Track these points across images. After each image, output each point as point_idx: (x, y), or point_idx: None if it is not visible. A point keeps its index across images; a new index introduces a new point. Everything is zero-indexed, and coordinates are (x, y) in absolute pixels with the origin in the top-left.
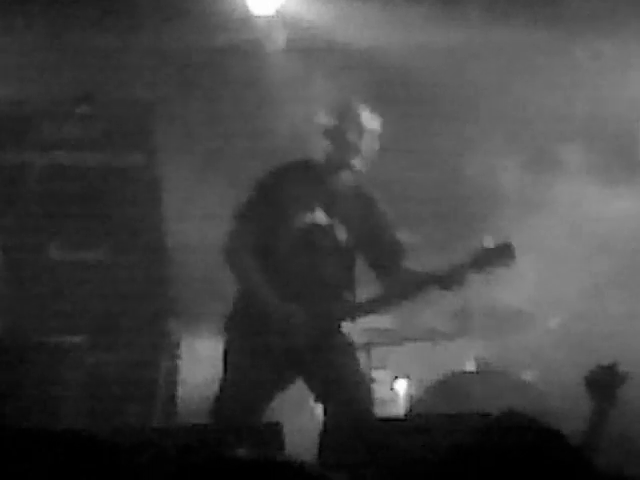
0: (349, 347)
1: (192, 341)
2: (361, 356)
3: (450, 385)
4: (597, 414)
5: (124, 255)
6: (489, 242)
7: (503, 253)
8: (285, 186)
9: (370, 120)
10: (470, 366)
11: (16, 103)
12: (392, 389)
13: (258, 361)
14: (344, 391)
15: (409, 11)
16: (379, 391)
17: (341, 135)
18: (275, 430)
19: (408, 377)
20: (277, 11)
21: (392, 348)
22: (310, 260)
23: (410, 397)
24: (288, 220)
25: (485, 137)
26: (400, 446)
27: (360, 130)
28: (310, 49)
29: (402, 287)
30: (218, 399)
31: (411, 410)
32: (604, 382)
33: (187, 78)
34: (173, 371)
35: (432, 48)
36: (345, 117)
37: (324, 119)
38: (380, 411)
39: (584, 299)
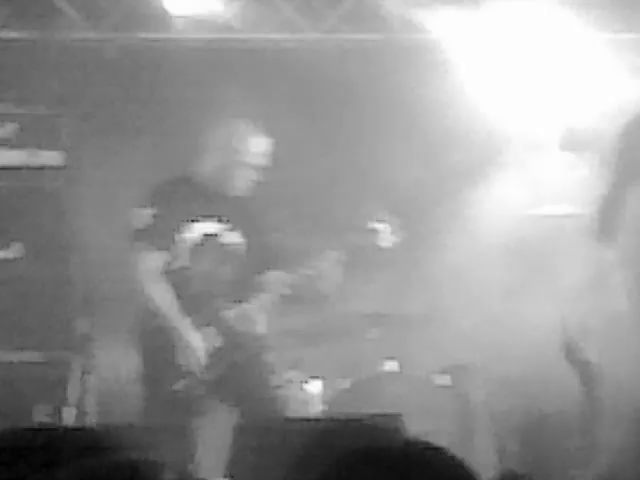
0: (255, 350)
1: (105, 341)
2: (272, 357)
3: (365, 386)
4: None
5: (36, 254)
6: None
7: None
8: (173, 200)
9: (257, 136)
10: (385, 367)
11: None
12: (306, 390)
13: (167, 372)
14: (251, 394)
15: (328, 13)
16: (293, 392)
17: (228, 149)
18: (188, 431)
19: (322, 378)
20: (194, 11)
21: (306, 348)
22: (208, 269)
23: (324, 398)
24: (181, 233)
25: (390, 142)
26: (308, 446)
27: (247, 145)
28: (227, 50)
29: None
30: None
31: (325, 411)
32: None
33: (102, 76)
34: (85, 370)
35: (348, 49)
36: (233, 132)
37: (212, 132)
38: (294, 412)
39: (497, 301)
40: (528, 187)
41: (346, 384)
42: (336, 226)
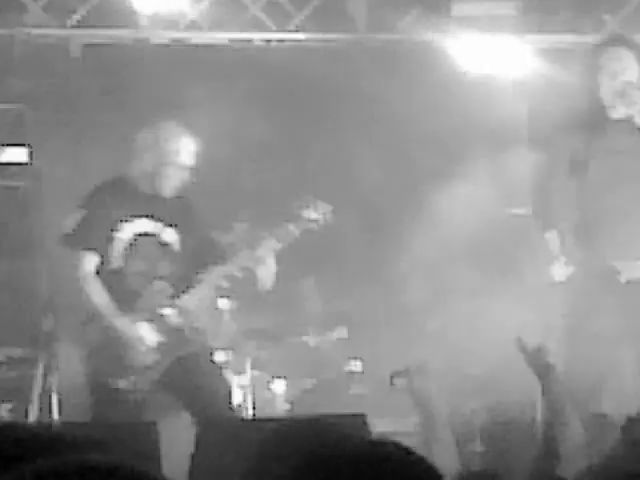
0: (199, 345)
1: (68, 338)
2: (228, 355)
3: (329, 386)
4: None
5: (0, 251)
6: None
7: None
8: (106, 202)
9: (185, 137)
10: (349, 367)
11: None
12: (270, 389)
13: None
14: (198, 390)
15: (294, 12)
16: (257, 392)
17: (157, 150)
18: (151, 429)
19: (286, 377)
20: (161, 9)
21: (270, 348)
22: (144, 267)
23: (288, 397)
24: (114, 234)
25: (355, 140)
26: (272, 446)
27: (175, 145)
28: (192, 48)
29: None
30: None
31: (289, 410)
32: None
33: (68, 73)
34: (49, 368)
35: (315, 48)
36: (161, 133)
37: (141, 134)
38: (258, 412)
39: (464, 301)
40: (496, 187)
41: (310, 384)
42: (273, 217)
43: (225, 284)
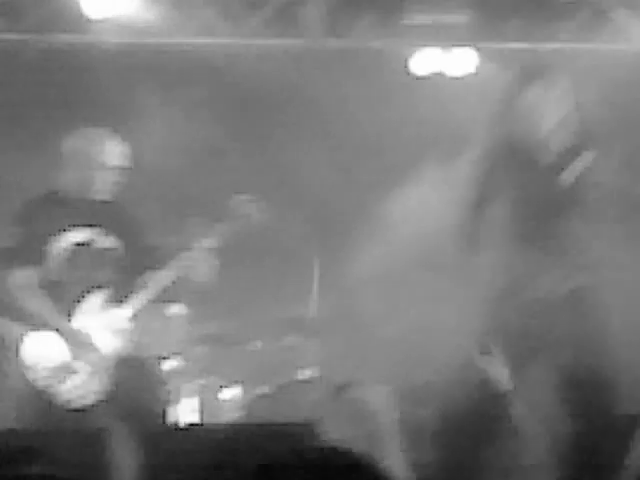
0: (148, 358)
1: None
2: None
3: (283, 393)
4: None
5: None
6: None
7: None
8: (41, 214)
9: (113, 141)
10: (303, 374)
11: None
12: (223, 396)
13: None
14: (141, 397)
15: (248, 17)
16: (211, 398)
17: (85, 156)
18: (96, 438)
19: (238, 384)
20: (112, 14)
21: (222, 355)
22: (85, 275)
23: (242, 404)
24: (52, 245)
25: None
26: (225, 452)
27: (104, 150)
28: (146, 53)
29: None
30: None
31: (243, 417)
32: None
33: (18, 77)
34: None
35: (268, 53)
36: (89, 139)
37: (69, 142)
38: (210, 419)
39: (417, 309)
40: (449, 192)
41: (264, 390)
42: (211, 217)
43: (167, 287)
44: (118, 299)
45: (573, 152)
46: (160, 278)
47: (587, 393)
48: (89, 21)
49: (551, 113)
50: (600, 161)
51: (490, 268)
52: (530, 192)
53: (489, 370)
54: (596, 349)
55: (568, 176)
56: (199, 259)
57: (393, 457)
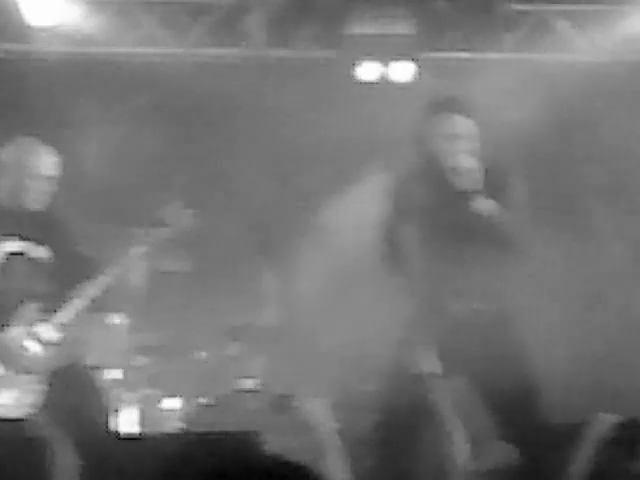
0: (83, 368)
1: None
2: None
3: (224, 403)
4: None
5: None
6: None
7: None
8: None
9: (44, 150)
10: (244, 384)
11: None
12: (164, 406)
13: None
14: (74, 406)
15: (191, 27)
16: (152, 408)
17: (16, 166)
18: (38, 445)
19: (181, 394)
20: (54, 23)
21: (163, 365)
22: (18, 286)
23: (183, 414)
24: None
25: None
26: (166, 462)
27: (35, 159)
28: (88, 63)
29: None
30: None
31: (184, 427)
32: None
33: None
34: None
35: (210, 63)
36: (20, 148)
37: (4, 154)
38: (152, 429)
39: (357, 322)
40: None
41: (205, 401)
42: (141, 224)
43: (101, 296)
44: (52, 309)
45: (484, 181)
46: (94, 287)
47: (512, 406)
48: (30, 29)
49: (461, 142)
50: (511, 191)
51: (404, 286)
52: (442, 215)
53: (424, 371)
54: (513, 365)
55: (479, 204)
56: (133, 267)
57: (333, 466)
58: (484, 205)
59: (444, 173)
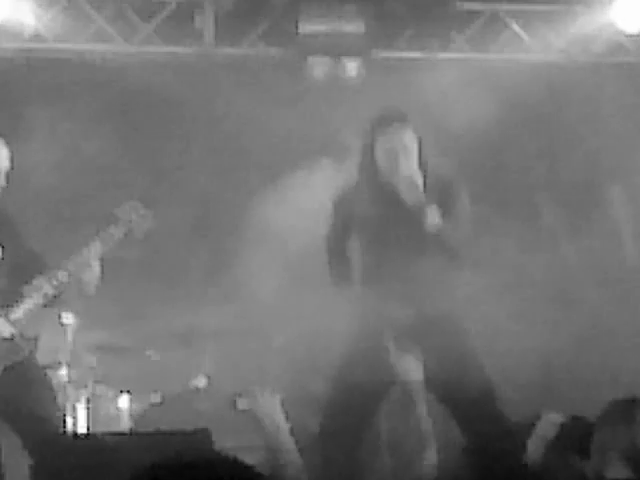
0: (34, 364)
1: None
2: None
3: (174, 401)
4: None
5: None
6: None
7: None
8: None
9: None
10: (194, 383)
11: None
12: (113, 404)
13: None
14: (25, 402)
15: (141, 24)
16: (102, 407)
17: None
18: None
19: (131, 392)
20: (1, 19)
21: (114, 363)
22: None
23: (132, 413)
24: None
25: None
26: (114, 461)
27: None
28: (36, 60)
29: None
30: None
31: (133, 426)
32: None
33: None
34: None
35: (161, 61)
36: None
37: None
38: (102, 427)
39: (309, 318)
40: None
41: (155, 399)
42: (95, 222)
43: (52, 293)
44: (4, 304)
45: (428, 192)
46: (46, 284)
47: (468, 408)
48: None
49: (404, 156)
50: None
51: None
52: (387, 226)
53: (401, 366)
54: (461, 366)
55: (423, 216)
56: (85, 265)
57: (286, 465)
58: (428, 216)
59: (388, 186)
